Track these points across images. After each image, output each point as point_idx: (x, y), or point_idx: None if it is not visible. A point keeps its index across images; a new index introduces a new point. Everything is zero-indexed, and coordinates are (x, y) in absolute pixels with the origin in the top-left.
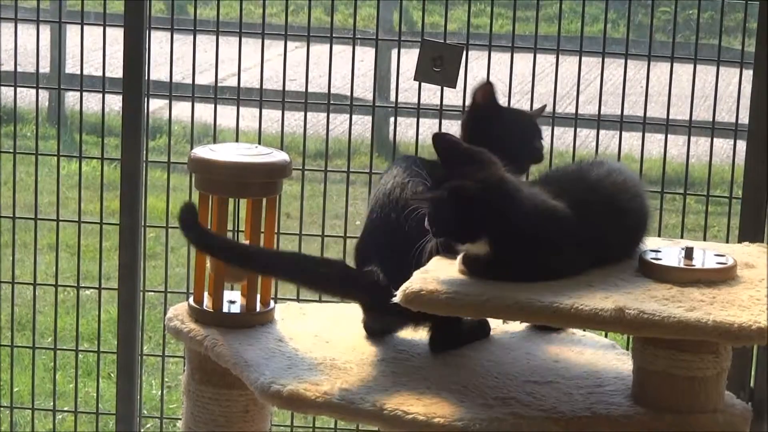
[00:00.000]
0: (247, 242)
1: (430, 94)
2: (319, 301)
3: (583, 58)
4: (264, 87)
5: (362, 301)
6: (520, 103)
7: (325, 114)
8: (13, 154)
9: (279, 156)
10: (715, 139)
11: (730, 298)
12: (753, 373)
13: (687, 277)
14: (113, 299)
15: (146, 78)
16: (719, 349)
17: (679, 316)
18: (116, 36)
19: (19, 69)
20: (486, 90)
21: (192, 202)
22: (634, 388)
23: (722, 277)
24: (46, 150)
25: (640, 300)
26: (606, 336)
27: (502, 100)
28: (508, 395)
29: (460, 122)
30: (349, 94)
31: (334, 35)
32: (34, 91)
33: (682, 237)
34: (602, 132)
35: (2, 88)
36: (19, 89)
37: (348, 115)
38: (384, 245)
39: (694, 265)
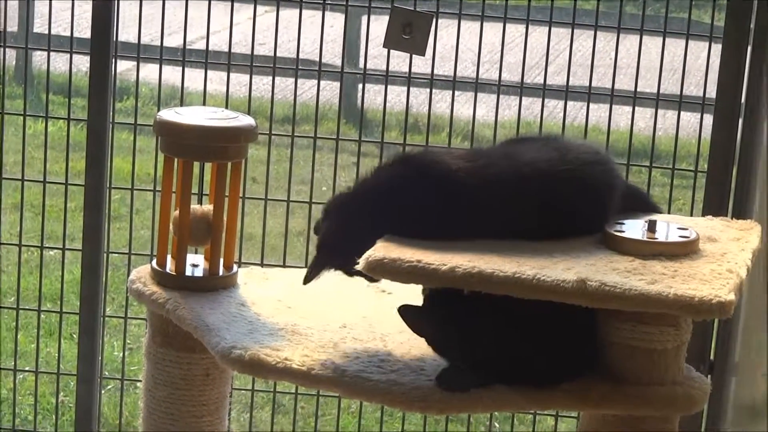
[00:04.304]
0: (210, 206)
1: (399, 61)
2: (283, 266)
3: (553, 29)
4: (232, 51)
5: None
6: (489, 72)
7: (294, 79)
8: None
9: (245, 120)
10: (682, 113)
11: (691, 271)
12: (713, 346)
13: (649, 250)
14: (77, 260)
15: (114, 39)
16: (680, 322)
17: (641, 289)
18: None
19: None
20: None
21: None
22: None
23: (684, 250)
24: (12, 109)
25: (602, 272)
26: None
27: (471, 70)
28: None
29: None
30: (318, 59)
31: (303, 0)
32: (0, 50)
33: None
34: (570, 103)
35: None
36: None
37: (316, 81)
38: None
39: (656, 238)
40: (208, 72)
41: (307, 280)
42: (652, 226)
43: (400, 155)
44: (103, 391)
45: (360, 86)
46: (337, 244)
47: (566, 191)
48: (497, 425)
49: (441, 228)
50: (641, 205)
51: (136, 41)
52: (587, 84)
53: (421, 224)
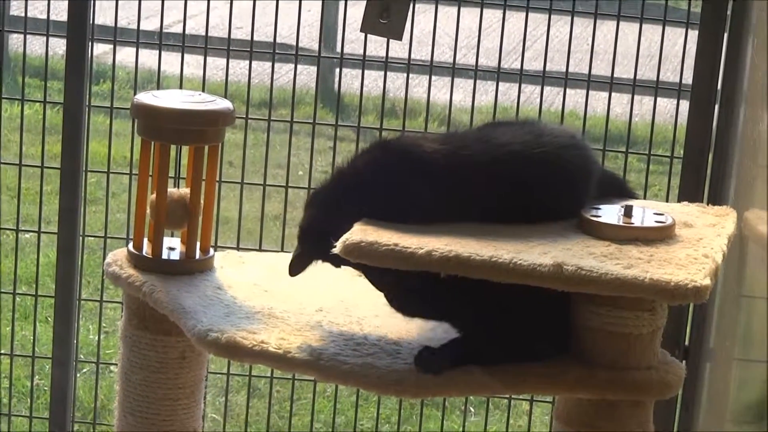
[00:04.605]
0: (187, 190)
1: (377, 45)
2: (259, 249)
3: (530, 14)
4: (210, 34)
5: None
6: (466, 57)
7: (271, 63)
8: None
9: (222, 104)
10: (659, 99)
11: (667, 256)
12: (688, 331)
13: (625, 235)
14: (53, 243)
15: (91, 22)
16: (655, 307)
17: (617, 274)
18: None
19: None
20: None
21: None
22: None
23: (660, 235)
24: None
25: (579, 256)
26: None
27: (448, 55)
28: None
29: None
30: (295, 43)
31: None
32: None
33: None
34: (547, 89)
35: None
36: None
37: (293, 65)
38: None
39: (633, 223)
40: (185, 56)
41: (292, 271)
42: (628, 211)
43: (376, 142)
44: (78, 375)
45: (337, 71)
46: (320, 233)
47: (541, 173)
48: (472, 410)
49: (418, 212)
50: (618, 191)
51: (113, 24)
52: (564, 70)
53: (399, 209)
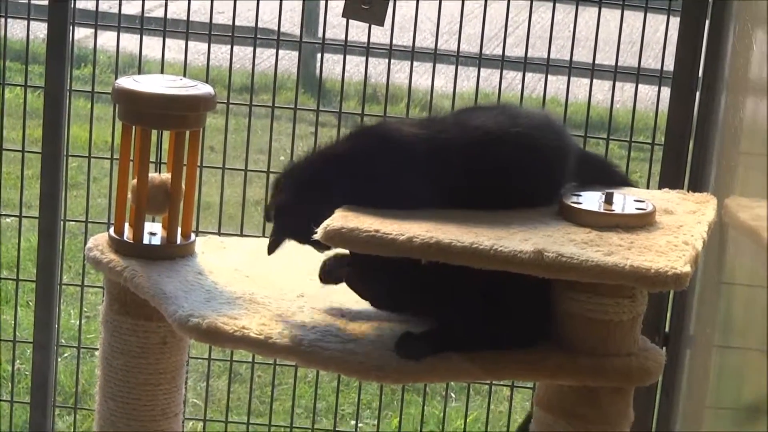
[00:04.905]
0: (168, 175)
1: (358, 31)
2: (240, 235)
3: (512, 1)
4: (191, 19)
5: None
6: (448, 43)
7: (252, 48)
8: None
9: (204, 89)
10: (640, 86)
11: (648, 243)
12: (668, 318)
13: (606, 222)
14: (34, 227)
15: (72, 6)
16: (635, 294)
17: (597, 260)
18: None
19: None
20: None
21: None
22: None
23: (641, 222)
24: None
25: (560, 243)
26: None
27: (430, 40)
28: None
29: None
30: (276, 28)
31: None
32: None
33: None
34: (529, 75)
35: None
36: None
37: (275, 50)
38: None
39: (613, 210)
40: (167, 40)
41: (270, 250)
42: (609, 198)
43: (354, 129)
44: (59, 359)
45: (318, 56)
46: (293, 210)
47: (516, 153)
48: (453, 395)
49: (397, 196)
50: (614, 179)
51: (94, 8)
52: (546, 56)
53: (378, 193)
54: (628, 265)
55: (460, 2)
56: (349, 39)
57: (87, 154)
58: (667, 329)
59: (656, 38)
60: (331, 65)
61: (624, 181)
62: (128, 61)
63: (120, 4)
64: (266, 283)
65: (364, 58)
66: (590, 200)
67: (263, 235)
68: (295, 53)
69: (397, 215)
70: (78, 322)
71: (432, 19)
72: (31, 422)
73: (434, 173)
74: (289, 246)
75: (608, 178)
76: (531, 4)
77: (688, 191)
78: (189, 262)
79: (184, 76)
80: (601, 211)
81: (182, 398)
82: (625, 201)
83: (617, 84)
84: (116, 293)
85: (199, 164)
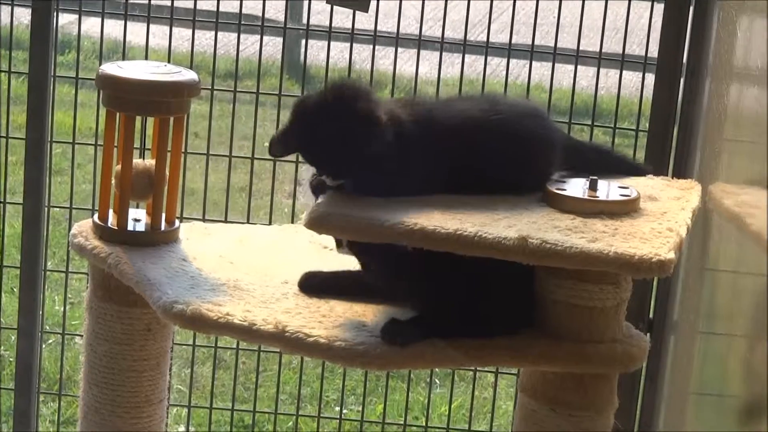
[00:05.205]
0: (153, 161)
1: (343, 17)
2: (224, 221)
3: None
4: (175, 5)
5: None
6: (433, 29)
7: (236, 34)
8: None
9: (188, 75)
10: (624, 72)
11: (632, 230)
12: (652, 304)
13: (590, 208)
14: (18, 214)
15: None
16: (620, 281)
17: (581, 247)
18: None
19: None
20: None
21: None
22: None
23: (625, 209)
24: None
25: (544, 230)
26: None
27: (414, 27)
28: None
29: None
30: (261, 14)
31: None
32: None
33: None
34: (513, 61)
35: None
36: None
37: (259, 36)
38: None
39: (597, 197)
40: (151, 26)
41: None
42: (593, 185)
43: None
44: (43, 346)
45: (303, 42)
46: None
47: (498, 139)
48: (437, 382)
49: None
50: (627, 168)
51: None
52: (530, 42)
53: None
54: (612, 252)
55: None
56: (333, 25)
57: (71, 141)
58: (651, 315)
59: (640, 24)
60: (315, 51)
61: (635, 170)
62: (112, 47)
63: None
64: (250, 269)
65: (348, 45)
66: (575, 187)
67: (248, 221)
68: (280, 39)
69: (383, 201)
70: (62, 309)
71: (416, 5)
72: (16, 408)
73: (421, 160)
74: (274, 234)
75: (615, 167)
76: None
77: (672, 177)
78: (173, 249)
79: (169, 62)
80: (586, 197)
81: (167, 385)
82: (610, 187)
83: (602, 70)
84: (100, 279)
85: (183, 150)
